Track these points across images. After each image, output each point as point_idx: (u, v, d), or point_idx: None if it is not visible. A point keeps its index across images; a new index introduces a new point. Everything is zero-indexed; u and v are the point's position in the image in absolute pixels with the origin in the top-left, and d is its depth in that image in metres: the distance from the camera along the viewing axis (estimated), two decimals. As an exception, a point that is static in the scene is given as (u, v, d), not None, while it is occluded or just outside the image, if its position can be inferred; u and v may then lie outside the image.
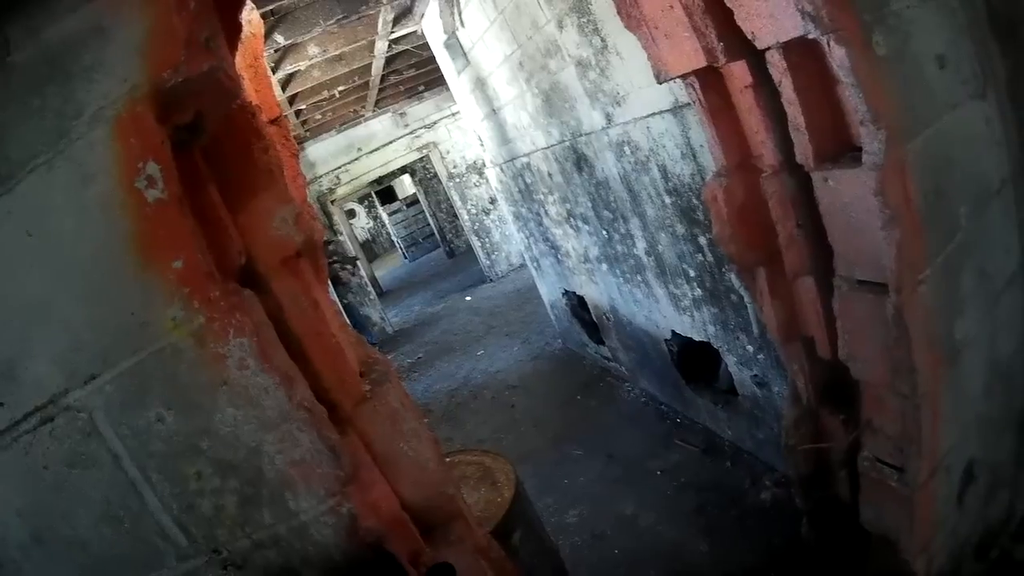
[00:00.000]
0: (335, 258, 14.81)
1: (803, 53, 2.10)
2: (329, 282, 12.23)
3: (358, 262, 15.41)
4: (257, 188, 2.09)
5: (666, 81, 2.67)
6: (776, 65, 2.18)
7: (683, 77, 2.58)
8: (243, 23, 2.29)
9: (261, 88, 2.64)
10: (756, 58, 2.28)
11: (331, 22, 7.02)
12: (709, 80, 2.53)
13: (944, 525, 2.71)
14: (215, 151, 2.03)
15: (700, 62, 2.42)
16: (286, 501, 1.82)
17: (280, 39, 7.00)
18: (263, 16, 6.58)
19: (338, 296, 14.48)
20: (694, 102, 2.62)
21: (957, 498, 2.70)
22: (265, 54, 7.21)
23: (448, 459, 4.01)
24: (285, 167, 2.37)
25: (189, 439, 1.74)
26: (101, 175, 1.61)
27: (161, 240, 1.64)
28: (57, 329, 1.66)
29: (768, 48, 2.17)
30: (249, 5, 2.47)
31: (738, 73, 2.39)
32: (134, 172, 1.60)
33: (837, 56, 1.93)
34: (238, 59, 2.47)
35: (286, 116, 10.14)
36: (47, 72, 1.61)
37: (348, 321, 14.17)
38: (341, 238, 15.52)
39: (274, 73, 8.24)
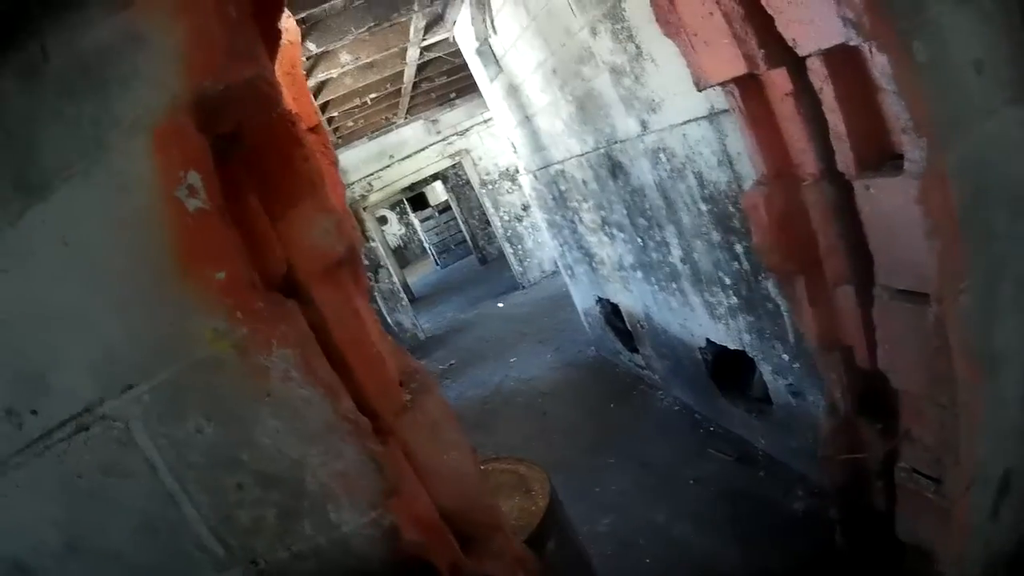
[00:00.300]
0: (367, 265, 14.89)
1: (844, 60, 2.08)
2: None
3: (380, 269, 15.39)
4: (298, 197, 2.07)
5: (706, 88, 2.65)
6: (817, 72, 2.16)
7: (722, 84, 2.56)
8: (282, 30, 2.28)
9: (299, 96, 2.64)
10: (796, 65, 2.25)
11: (363, 30, 7.06)
12: (749, 88, 2.51)
13: (979, 537, 2.68)
14: (255, 160, 2.01)
15: (740, 69, 2.40)
16: (327, 513, 1.80)
17: (312, 47, 7.04)
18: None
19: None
20: (734, 110, 2.60)
21: (992, 510, 2.67)
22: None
23: (482, 467, 4.01)
24: (325, 176, 2.35)
25: (229, 451, 1.73)
26: (139, 184, 1.60)
27: (202, 251, 1.62)
28: (92, 338, 1.65)
29: (809, 55, 2.15)
30: (286, 13, 2.47)
31: (778, 80, 2.36)
32: (175, 182, 1.59)
33: (879, 63, 1.91)
34: (276, 67, 2.48)
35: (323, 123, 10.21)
36: (83, 81, 1.60)
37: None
38: (373, 244, 15.56)
39: (306, 80, 8.28)
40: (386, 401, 2.15)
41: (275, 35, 2.22)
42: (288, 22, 2.62)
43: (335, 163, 2.72)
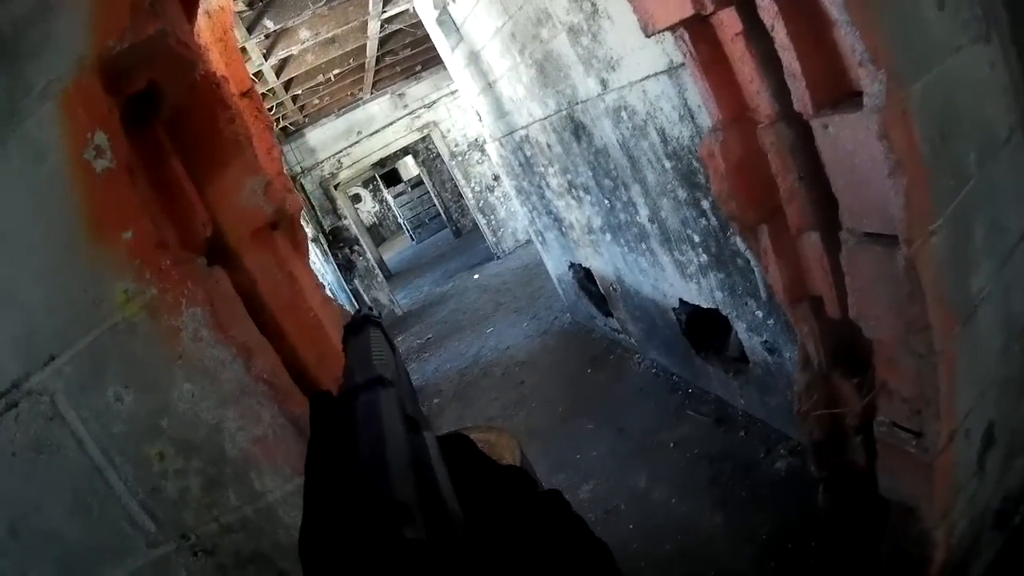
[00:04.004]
0: (340, 241, 14.86)
1: (795, -6, 1.99)
2: (330, 263, 12.16)
3: (361, 243, 15.40)
4: (224, 159, 2.06)
5: (654, 34, 2.55)
6: (767, 9, 2.05)
7: (672, 30, 2.45)
8: None
9: (232, 61, 2.61)
10: (746, 3, 2.16)
11: (320, 4, 6.99)
12: (699, 31, 2.41)
13: (964, 492, 2.62)
14: (179, 122, 2.00)
15: (687, 11, 2.30)
16: (251, 481, 1.76)
17: (270, 24, 6.95)
18: (250, 1, 6.53)
19: (345, 281, 14.50)
20: (685, 55, 2.51)
21: (977, 463, 2.61)
22: (255, 40, 7.20)
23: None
24: (259, 140, 2.36)
25: (149, 418, 1.69)
26: (52, 150, 1.58)
27: (111, 211, 1.60)
28: (15, 311, 1.62)
29: (757, -10, 2.05)
30: None
31: (728, 20, 2.27)
32: (82, 143, 1.56)
33: (830, -7, 1.82)
34: (206, 32, 2.47)
35: (277, 97, 10.12)
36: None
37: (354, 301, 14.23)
38: (346, 222, 15.52)
39: (267, 59, 8.22)
40: (325, 367, 2.10)
41: None
42: (221, -12, 2.57)
43: (270, 127, 2.68)
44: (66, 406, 1.65)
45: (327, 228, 15.12)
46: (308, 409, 1.77)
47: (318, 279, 2.51)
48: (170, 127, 1.96)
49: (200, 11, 2.32)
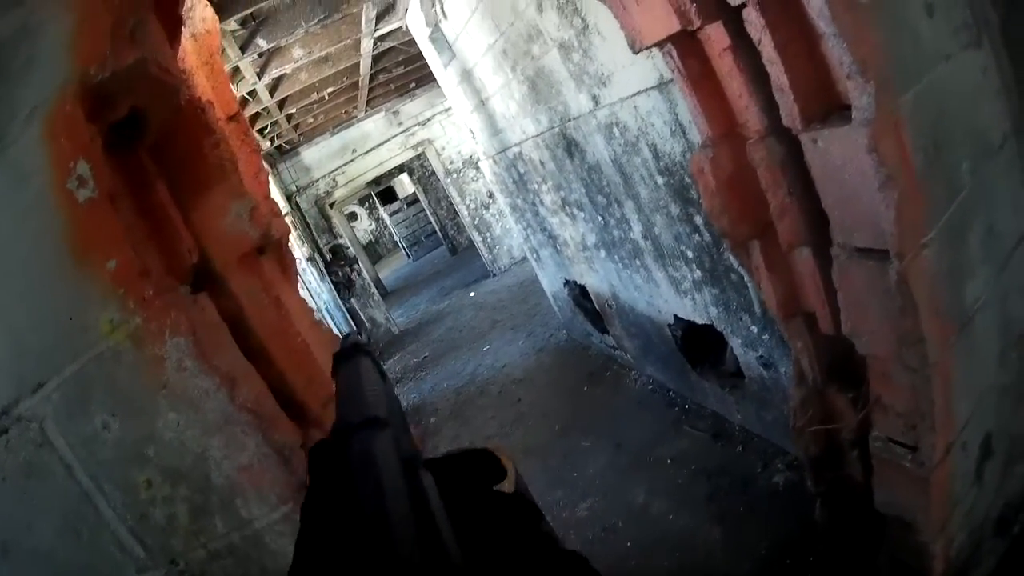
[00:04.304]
0: (341, 260, 14.86)
1: (781, 8, 1.98)
2: (326, 281, 12.14)
3: (357, 262, 15.40)
4: (209, 184, 2.05)
5: (642, 50, 2.54)
6: (754, 23, 2.05)
7: (659, 45, 2.45)
8: (184, 16, 2.23)
9: (218, 85, 2.60)
10: (733, 18, 2.15)
11: (313, 23, 6.97)
12: (687, 47, 2.40)
13: (962, 504, 2.60)
14: (164, 148, 2.00)
15: (674, 26, 2.29)
16: (237, 508, 1.76)
17: (263, 43, 6.94)
18: (243, 20, 6.52)
19: (342, 299, 14.48)
20: (673, 71, 2.50)
21: (975, 475, 2.59)
22: (249, 59, 7.20)
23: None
24: (245, 164, 2.35)
25: (136, 446, 1.69)
26: (35, 176, 1.58)
27: (94, 240, 1.60)
28: (3, 338, 1.62)
29: (744, 4, 2.04)
30: (204, 2, 2.42)
31: (715, 36, 2.26)
32: (66, 172, 1.57)
33: (815, 4, 1.81)
34: (192, 56, 2.45)
35: (272, 116, 10.11)
36: (-16, 79, 1.57)
37: (351, 321, 14.21)
38: (342, 240, 15.52)
39: (260, 78, 8.21)
40: (313, 391, 2.10)
41: (176, 20, 2.16)
42: (205, 11, 2.57)
43: (257, 151, 2.66)
44: (55, 432, 1.65)
45: (327, 247, 15.11)
46: (294, 437, 1.76)
47: (306, 303, 2.51)
48: (155, 152, 1.96)
49: (186, 34, 2.32)
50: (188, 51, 2.40)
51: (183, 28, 2.22)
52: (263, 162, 2.74)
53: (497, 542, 1.03)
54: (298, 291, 2.51)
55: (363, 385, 1.15)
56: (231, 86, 2.77)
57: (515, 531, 1.10)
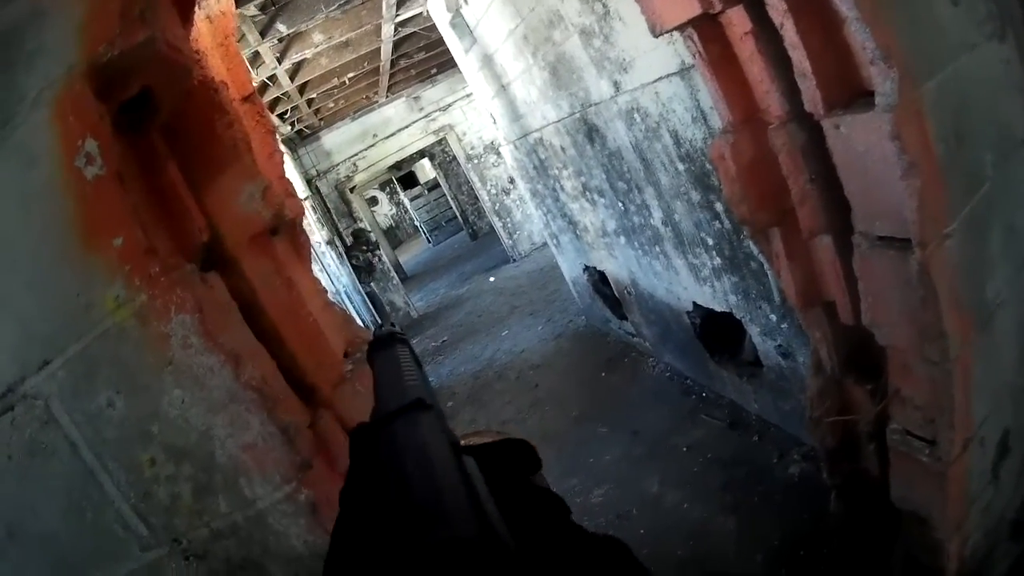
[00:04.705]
0: (363, 244, 14.89)
1: (804, -9, 1.94)
2: (345, 265, 12.17)
3: (378, 246, 15.43)
4: (222, 164, 2.04)
5: (662, 34, 2.51)
6: (776, 7, 2.01)
7: (680, 29, 2.42)
8: None
9: (233, 66, 2.58)
10: (755, 2, 2.11)
11: (333, 8, 6.97)
12: (708, 31, 2.37)
13: (978, 502, 2.57)
14: (176, 129, 1.99)
15: (695, 10, 2.26)
16: (241, 488, 1.74)
17: (283, 28, 6.95)
18: (263, 6, 6.52)
19: (361, 283, 14.50)
20: (694, 55, 2.47)
21: (992, 473, 2.56)
22: (269, 44, 7.21)
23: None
24: (260, 144, 2.34)
25: (140, 424, 1.68)
26: (44, 157, 1.57)
27: (101, 218, 1.59)
28: (10, 316, 1.62)
29: (767, -12, 2.01)
30: None
31: (737, 19, 2.23)
32: (74, 151, 1.56)
33: (838, -12, 1.78)
34: (207, 37, 2.44)
35: (292, 100, 10.11)
36: (-7, 64, 1.58)
37: (371, 305, 14.24)
38: (362, 224, 15.55)
39: (280, 63, 8.22)
40: (323, 373, 2.10)
41: (189, 1, 2.13)
42: (221, -7, 2.56)
43: (272, 132, 2.64)
44: (60, 410, 1.65)
45: (347, 231, 15.14)
46: (300, 417, 1.75)
47: (319, 284, 2.51)
48: (166, 132, 1.95)
49: (201, 16, 2.32)
50: (203, 32, 2.39)
51: (197, 9, 2.21)
52: (278, 143, 2.73)
53: (536, 533, 1.01)
54: (311, 272, 2.51)
55: (402, 371, 1.14)
56: (248, 68, 2.75)
57: (551, 523, 1.08)
